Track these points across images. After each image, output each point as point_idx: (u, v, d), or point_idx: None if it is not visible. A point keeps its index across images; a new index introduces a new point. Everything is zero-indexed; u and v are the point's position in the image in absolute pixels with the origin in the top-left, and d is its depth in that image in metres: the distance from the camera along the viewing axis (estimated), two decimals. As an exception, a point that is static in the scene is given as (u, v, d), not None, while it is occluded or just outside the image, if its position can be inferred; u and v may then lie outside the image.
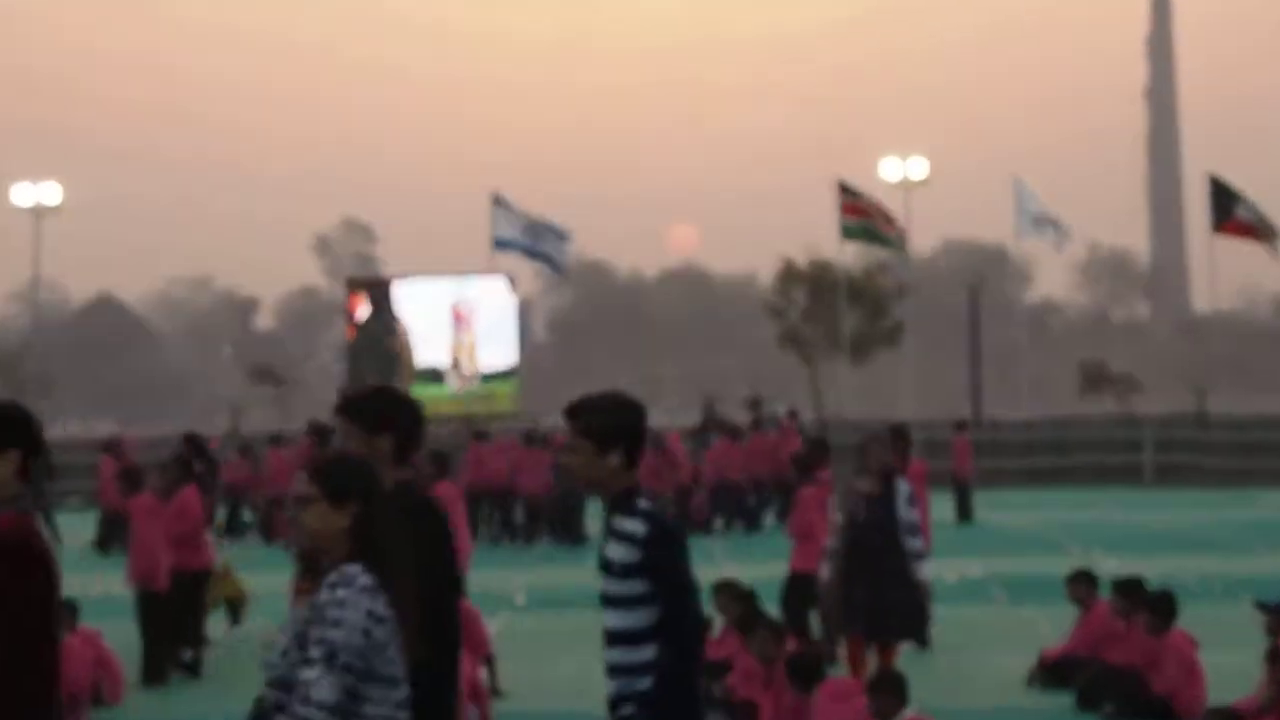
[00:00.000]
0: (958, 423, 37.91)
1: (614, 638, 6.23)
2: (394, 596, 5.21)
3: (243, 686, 14.02)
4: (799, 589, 15.77)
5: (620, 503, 6.29)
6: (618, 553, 6.22)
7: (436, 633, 5.88)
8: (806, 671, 11.80)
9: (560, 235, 48.64)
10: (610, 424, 6.30)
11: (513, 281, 47.85)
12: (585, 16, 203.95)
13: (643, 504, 6.25)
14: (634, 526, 6.21)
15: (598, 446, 6.29)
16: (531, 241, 48.18)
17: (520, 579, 23.80)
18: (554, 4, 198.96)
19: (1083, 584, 15.15)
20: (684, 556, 6.25)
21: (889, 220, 50.16)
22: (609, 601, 6.24)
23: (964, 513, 33.64)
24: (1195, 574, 21.94)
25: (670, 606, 6.15)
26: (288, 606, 8.00)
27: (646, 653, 6.15)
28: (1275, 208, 49.76)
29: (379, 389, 6.45)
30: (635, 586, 6.17)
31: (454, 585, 6.29)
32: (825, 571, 13.54)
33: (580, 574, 24.64)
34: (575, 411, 6.35)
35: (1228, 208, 48.72)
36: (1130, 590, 14.24)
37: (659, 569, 6.16)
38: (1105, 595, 14.87)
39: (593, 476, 6.32)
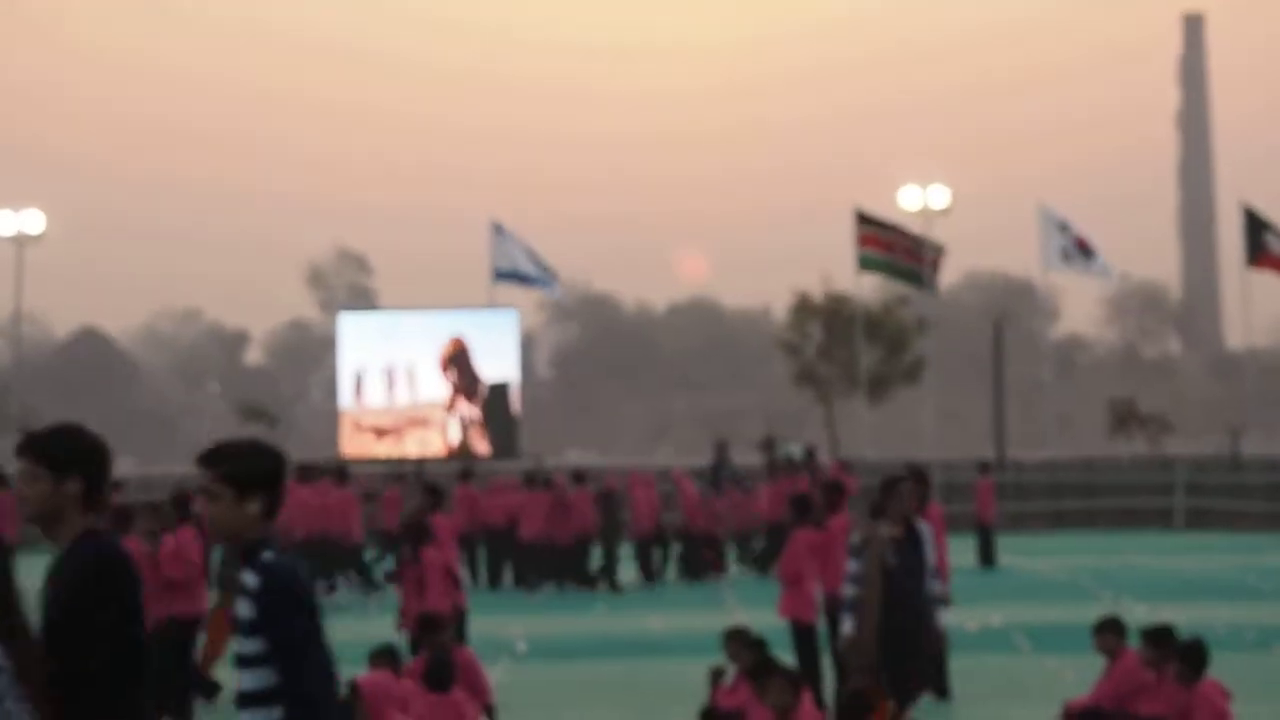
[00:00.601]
0: (981, 464, 37.40)
1: (243, 699, 6.06)
2: (18, 658, 5.01)
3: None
4: (803, 638, 15.71)
5: (247, 554, 6.08)
6: (242, 608, 6.06)
7: (123, 698, 5.67)
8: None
9: (552, 275, 48.38)
10: (251, 470, 6.13)
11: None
12: (588, 49, 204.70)
13: (266, 557, 6.05)
14: (251, 580, 6.03)
15: (238, 493, 6.11)
16: (529, 270, 47.84)
17: (520, 627, 23.33)
18: (559, 40, 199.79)
19: (1111, 634, 14.57)
20: (301, 613, 6.02)
21: (916, 253, 49.04)
22: (238, 660, 6.09)
23: (987, 558, 33.01)
24: (1228, 622, 21.62)
25: (284, 668, 5.95)
26: None
27: (276, 714, 5.98)
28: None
29: (66, 427, 6.04)
30: (257, 645, 6.00)
31: (141, 641, 5.98)
32: (848, 625, 13.55)
33: (584, 623, 24.10)
34: (214, 458, 6.16)
35: (1261, 239, 47.94)
36: (1160, 639, 13.82)
37: (270, 627, 5.98)
38: (1134, 644, 14.19)
39: (232, 525, 6.11)
